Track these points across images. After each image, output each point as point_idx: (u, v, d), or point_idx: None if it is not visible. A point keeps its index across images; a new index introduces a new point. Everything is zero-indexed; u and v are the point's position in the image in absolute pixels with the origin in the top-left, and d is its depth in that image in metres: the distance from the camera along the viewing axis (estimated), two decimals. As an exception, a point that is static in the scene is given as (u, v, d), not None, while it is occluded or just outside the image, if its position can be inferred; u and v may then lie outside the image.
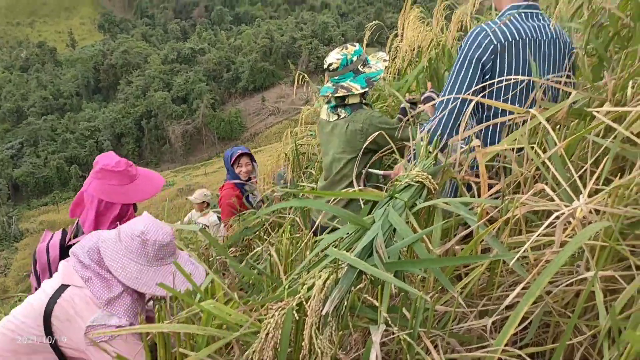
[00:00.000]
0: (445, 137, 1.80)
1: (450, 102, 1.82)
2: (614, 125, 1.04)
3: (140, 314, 1.50)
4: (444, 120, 1.82)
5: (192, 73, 77.46)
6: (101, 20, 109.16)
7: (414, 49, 3.13)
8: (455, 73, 1.85)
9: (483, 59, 1.81)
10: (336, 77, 2.56)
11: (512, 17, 1.84)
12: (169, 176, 56.02)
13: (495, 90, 1.84)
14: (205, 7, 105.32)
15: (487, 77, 1.84)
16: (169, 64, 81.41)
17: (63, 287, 1.58)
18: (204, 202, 5.40)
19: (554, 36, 1.83)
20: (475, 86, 1.81)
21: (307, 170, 3.94)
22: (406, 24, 3.11)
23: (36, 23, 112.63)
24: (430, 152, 1.59)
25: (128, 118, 71.82)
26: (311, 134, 4.06)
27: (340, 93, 2.49)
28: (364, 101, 2.62)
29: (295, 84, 4.71)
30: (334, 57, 2.57)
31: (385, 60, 2.66)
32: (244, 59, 79.95)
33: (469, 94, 1.80)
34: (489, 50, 1.80)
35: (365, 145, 2.25)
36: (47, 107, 76.57)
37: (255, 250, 2.55)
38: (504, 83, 1.80)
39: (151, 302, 1.93)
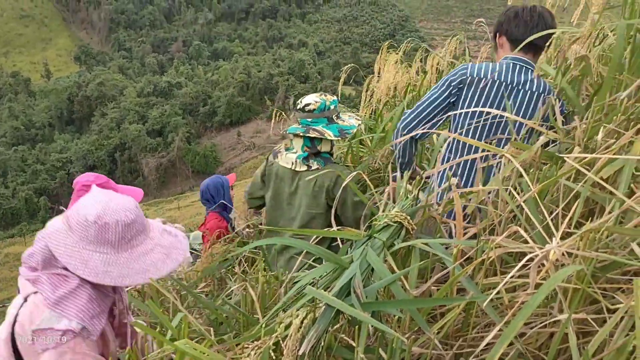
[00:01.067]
0: (407, 130, 2.07)
1: (419, 109, 2.06)
2: (584, 171, 1.08)
3: (99, 317, 1.31)
4: (408, 119, 2.08)
5: (169, 106, 77.42)
6: (78, 52, 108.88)
7: (389, 91, 3.21)
8: (427, 92, 2.08)
9: (454, 83, 2.00)
10: (309, 120, 2.48)
11: (500, 63, 1.98)
12: (142, 209, 55.18)
13: (460, 120, 2.00)
14: (183, 42, 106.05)
15: (453, 100, 2.03)
16: (145, 97, 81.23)
17: (23, 302, 1.34)
18: None
19: (538, 91, 1.90)
20: (441, 103, 2.03)
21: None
22: (383, 66, 3.19)
23: (11, 53, 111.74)
24: (409, 192, 1.61)
25: (101, 150, 71.02)
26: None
27: (313, 134, 2.42)
28: (331, 152, 2.58)
29: (273, 119, 4.74)
30: (312, 99, 2.51)
31: (357, 119, 2.63)
32: (220, 94, 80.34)
33: (433, 106, 2.04)
34: (461, 79, 1.98)
35: (329, 203, 2.36)
36: (18, 138, 75.34)
37: (229, 287, 2.52)
38: (470, 110, 1.87)
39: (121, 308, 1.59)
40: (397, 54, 3.27)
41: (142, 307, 2.29)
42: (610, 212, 1.10)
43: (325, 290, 1.24)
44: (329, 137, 2.43)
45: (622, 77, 1.45)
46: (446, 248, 1.43)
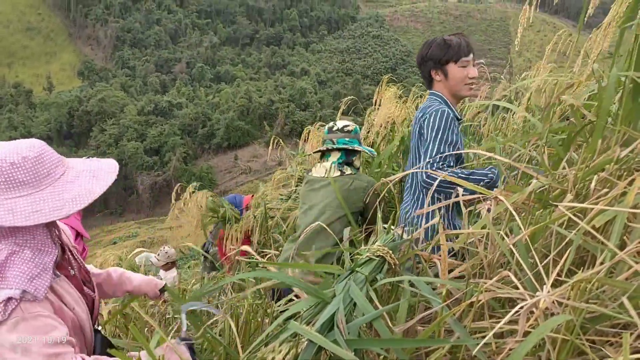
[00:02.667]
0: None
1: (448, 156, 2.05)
2: (577, 220, 1.07)
3: (40, 276, 1.23)
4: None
5: (168, 126, 77.79)
6: (81, 68, 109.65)
7: (387, 125, 3.23)
8: (439, 139, 2.07)
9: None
10: (346, 139, 2.77)
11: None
12: (133, 227, 54.81)
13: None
14: (187, 63, 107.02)
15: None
16: (145, 115, 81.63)
17: None
18: (167, 263, 5.21)
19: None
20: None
21: (273, 235, 3.90)
22: (381, 100, 3.21)
23: (15, 65, 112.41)
24: (391, 227, 1.60)
25: (97, 165, 70.92)
26: (281, 199, 4.07)
27: (355, 148, 2.73)
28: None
29: (270, 146, 4.76)
30: (349, 122, 2.85)
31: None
32: (220, 116, 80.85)
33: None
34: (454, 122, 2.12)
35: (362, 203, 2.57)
36: (15, 149, 75.09)
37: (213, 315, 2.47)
38: (471, 151, 1.87)
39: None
40: (398, 88, 3.29)
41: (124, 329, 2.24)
42: (602, 263, 1.09)
43: (308, 325, 1.22)
44: (367, 151, 2.80)
45: (615, 127, 1.45)
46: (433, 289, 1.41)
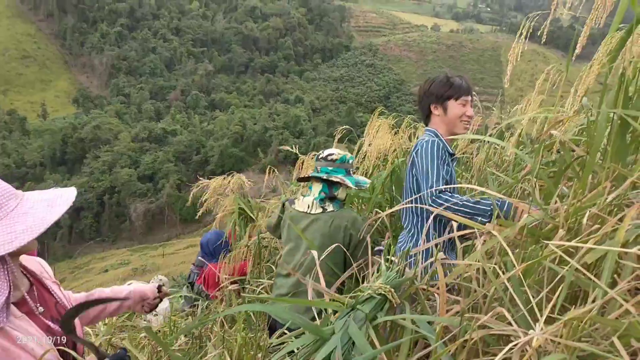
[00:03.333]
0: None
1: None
2: (567, 258, 1.09)
3: None
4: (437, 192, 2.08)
5: (162, 153, 77.86)
6: (76, 95, 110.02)
7: (380, 155, 3.26)
8: (434, 168, 2.13)
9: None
10: (329, 168, 2.70)
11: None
12: (125, 254, 54.32)
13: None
14: (182, 90, 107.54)
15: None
16: (139, 142, 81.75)
17: None
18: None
19: None
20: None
21: (267, 264, 3.89)
22: (373, 131, 3.25)
23: (10, 92, 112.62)
24: (395, 263, 1.60)
25: (90, 192, 70.69)
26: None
27: (336, 179, 2.63)
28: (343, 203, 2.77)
29: (267, 174, 4.75)
30: (335, 151, 2.78)
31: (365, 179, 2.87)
32: (214, 144, 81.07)
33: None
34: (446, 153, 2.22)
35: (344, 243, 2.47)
36: (7, 175, 74.79)
37: (206, 348, 2.45)
38: (463, 186, 1.89)
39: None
40: (390, 119, 3.33)
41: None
42: (594, 300, 1.10)
43: (304, 363, 1.21)
44: (348, 184, 2.64)
45: (605, 163, 1.48)
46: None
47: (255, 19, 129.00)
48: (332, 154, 2.74)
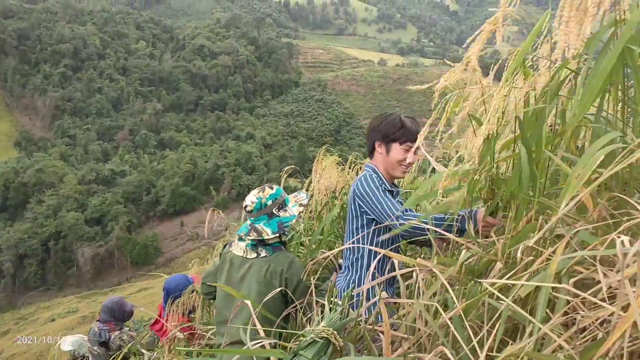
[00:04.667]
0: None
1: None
2: (501, 296, 1.10)
3: None
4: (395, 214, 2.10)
5: (110, 195, 75.78)
6: (18, 138, 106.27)
7: (328, 193, 3.27)
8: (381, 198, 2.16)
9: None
10: (252, 218, 2.60)
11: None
12: (73, 302, 52.00)
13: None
14: (130, 130, 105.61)
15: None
16: (86, 185, 79.36)
17: None
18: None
19: None
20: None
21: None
22: (320, 169, 3.26)
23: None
24: (338, 304, 1.59)
25: (34, 239, 67.72)
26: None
27: (252, 236, 2.52)
28: (283, 239, 2.69)
29: (213, 213, 4.68)
30: (250, 200, 2.63)
31: (302, 205, 2.73)
32: (165, 183, 79.62)
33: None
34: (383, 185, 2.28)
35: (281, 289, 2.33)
36: (-56, 225, 71.06)
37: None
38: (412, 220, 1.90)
39: None
40: (336, 157, 3.36)
41: None
42: (530, 335, 1.11)
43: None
44: (266, 237, 2.52)
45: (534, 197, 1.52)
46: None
47: (204, 57, 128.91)
48: (247, 206, 2.62)
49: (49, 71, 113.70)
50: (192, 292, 3.80)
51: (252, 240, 2.57)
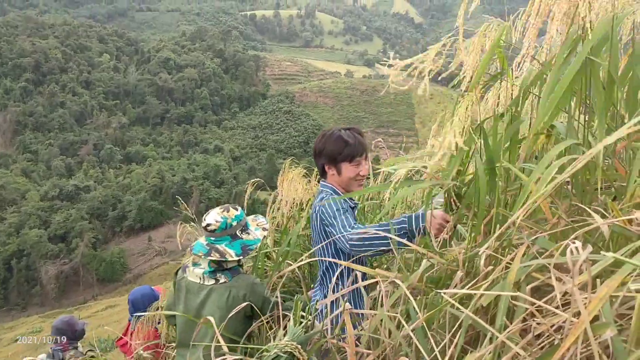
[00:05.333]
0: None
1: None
2: (460, 307, 1.11)
3: None
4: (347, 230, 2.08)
5: (74, 211, 74.02)
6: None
7: (293, 206, 3.27)
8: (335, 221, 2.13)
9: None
10: (212, 238, 2.49)
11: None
12: (37, 322, 50.40)
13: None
14: (94, 145, 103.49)
15: None
16: (49, 201, 77.39)
17: None
18: None
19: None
20: None
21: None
22: (285, 182, 3.26)
23: None
24: (302, 318, 1.58)
25: (-5, 258, 65.61)
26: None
27: (214, 257, 2.41)
28: (240, 263, 2.58)
29: (180, 228, 4.61)
30: (213, 218, 2.51)
31: (264, 229, 2.68)
32: (132, 198, 78.26)
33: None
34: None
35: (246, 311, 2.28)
36: None
37: None
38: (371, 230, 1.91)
39: None
40: (301, 169, 3.36)
41: None
42: (491, 342, 1.13)
43: None
44: (229, 258, 2.43)
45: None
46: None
47: (170, 70, 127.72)
48: (210, 225, 2.49)
49: (9, 86, 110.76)
50: (157, 308, 3.73)
51: (210, 266, 2.47)
